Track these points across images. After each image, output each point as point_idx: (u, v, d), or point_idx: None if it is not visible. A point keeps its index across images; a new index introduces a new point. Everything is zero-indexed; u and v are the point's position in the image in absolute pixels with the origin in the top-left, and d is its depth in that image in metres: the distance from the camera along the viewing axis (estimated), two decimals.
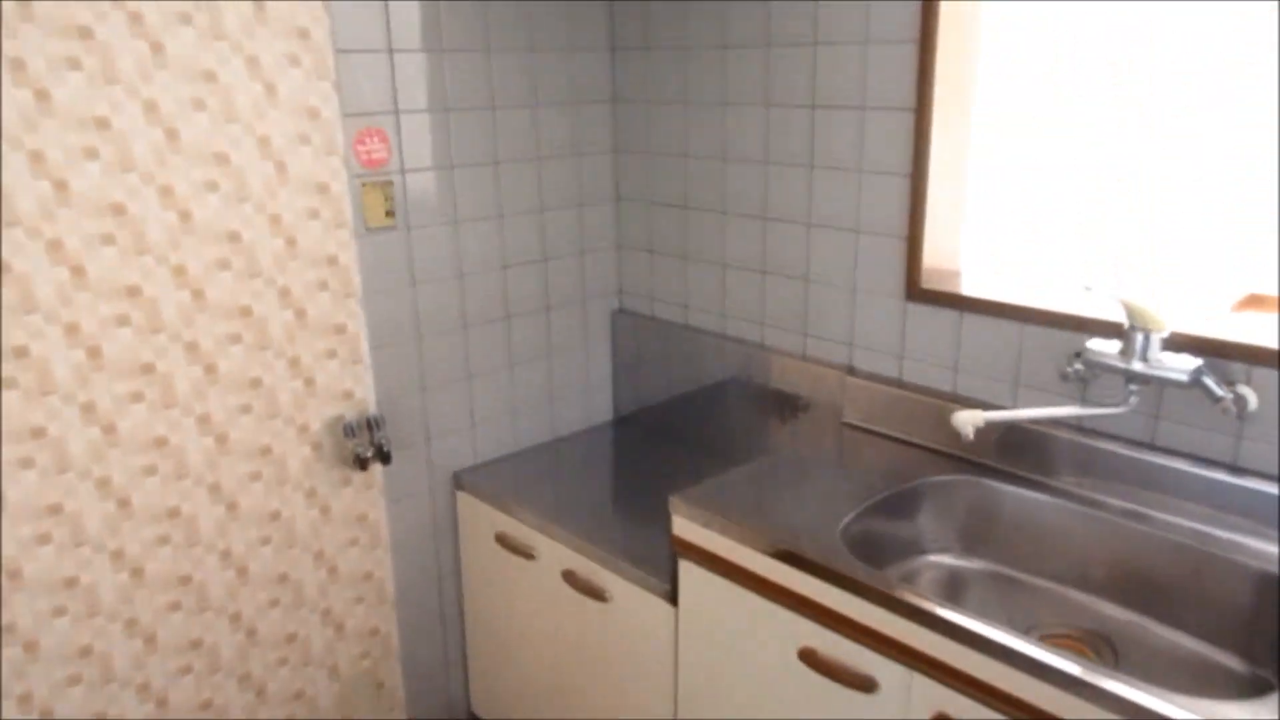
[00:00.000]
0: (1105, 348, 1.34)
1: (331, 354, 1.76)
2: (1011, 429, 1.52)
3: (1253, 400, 1.25)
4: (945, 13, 1.48)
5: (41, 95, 1.36)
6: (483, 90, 1.84)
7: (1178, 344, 1.31)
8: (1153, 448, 1.39)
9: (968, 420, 1.39)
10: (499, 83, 1.86)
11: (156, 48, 1.44)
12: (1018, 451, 1.52)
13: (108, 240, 1.45)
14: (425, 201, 1.81)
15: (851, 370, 1.76)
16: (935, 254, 1.62)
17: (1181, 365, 1.26)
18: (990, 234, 1.68)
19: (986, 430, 1.51)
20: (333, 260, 1.71)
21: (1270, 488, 1.27)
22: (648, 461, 2.06)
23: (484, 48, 1.82)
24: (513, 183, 1.94)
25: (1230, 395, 1.25)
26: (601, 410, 2.25)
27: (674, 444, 2.12)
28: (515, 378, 2.06)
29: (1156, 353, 1.28)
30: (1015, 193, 1.66)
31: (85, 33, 1.37)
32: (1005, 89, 1.60)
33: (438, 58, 1.76)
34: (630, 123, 2.05)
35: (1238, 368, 1.27)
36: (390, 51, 1.70)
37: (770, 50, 1.73)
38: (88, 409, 1.49)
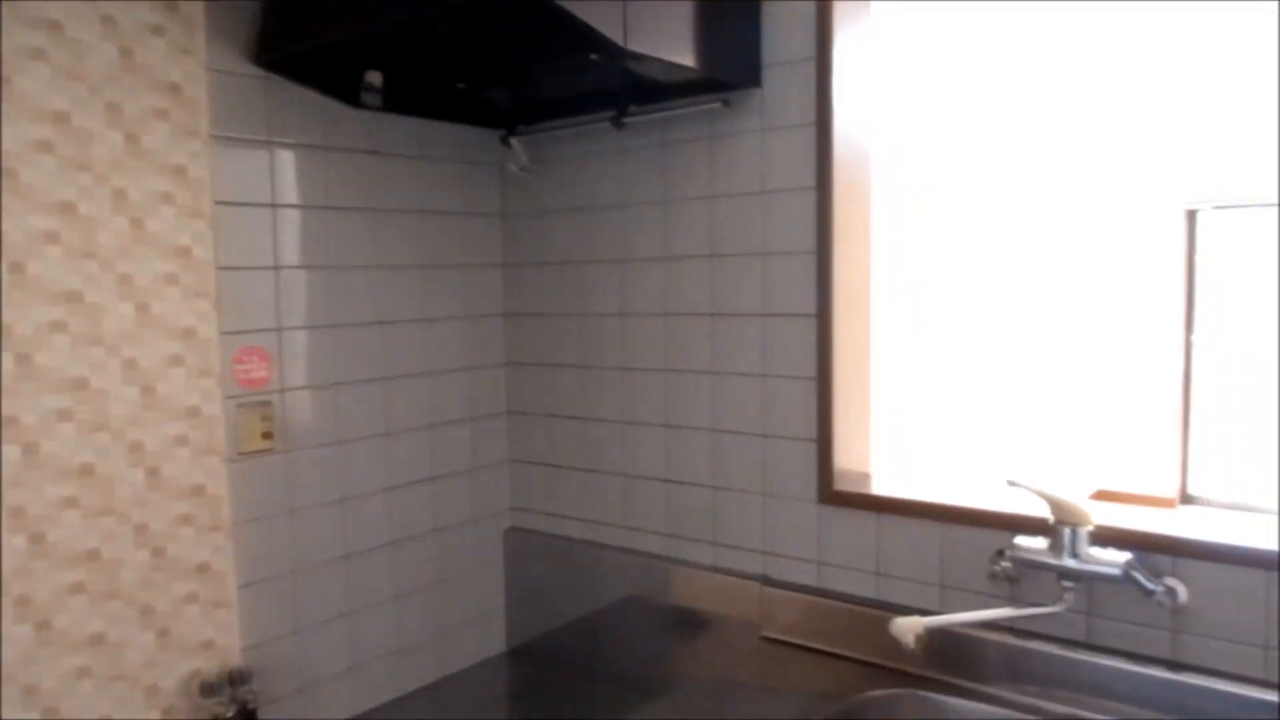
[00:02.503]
0: (1033, 544, 1.33)
1: (192, 598, 1.54)
2: (942, 635, 1.46)
3: (1183, 593, 1.26)
4: (839, 226, 1.55)
5: None
6: (371, 305, 1.77)
7: (1102, 538, 1.31)
8: (1089, 646, 1.36)
9: (908, 628, 1.33)
10: (389, 297, 1.80)
11: (16, 267, 1.31)
12: (952, 659, 1.45)
13: None
14: (307, 421, 1.68)
15: (768, 580, 1.68)
16: (847, 456, 1.62)
17: (1112, 559, 1.26)
18: (901, 432, 1.70)
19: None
20: (199, 491, 1.53)
21: (1209, 683, 1.25)
22: (547, 698, 1.87)
23: (375, 264, 1.77)
24: (402, 398, 1.84)
25: (1162, 588, 1.25)
26: (495, 641, 2.06)
27: (576, 674, 1.94)
28: (401, 611, 1.86)
29: (1085, 548, 1.28)
30: (923, 390, 1.70)
31: None
32: (903, 293, 1.68)
33: (325, 273, 1.69)
34: (523, 333, 2.01)
35: (1164, 560, 1.28)
36: (276, 269, 1.62)
37: (669, 264, 1.77)
38: None
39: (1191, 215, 5.90)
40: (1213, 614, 1.26)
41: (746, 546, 1.72)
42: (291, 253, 1.64)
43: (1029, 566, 1.33)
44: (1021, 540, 1.34)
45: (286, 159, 1.62)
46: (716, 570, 1.75)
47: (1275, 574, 1.21)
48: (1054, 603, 1.31)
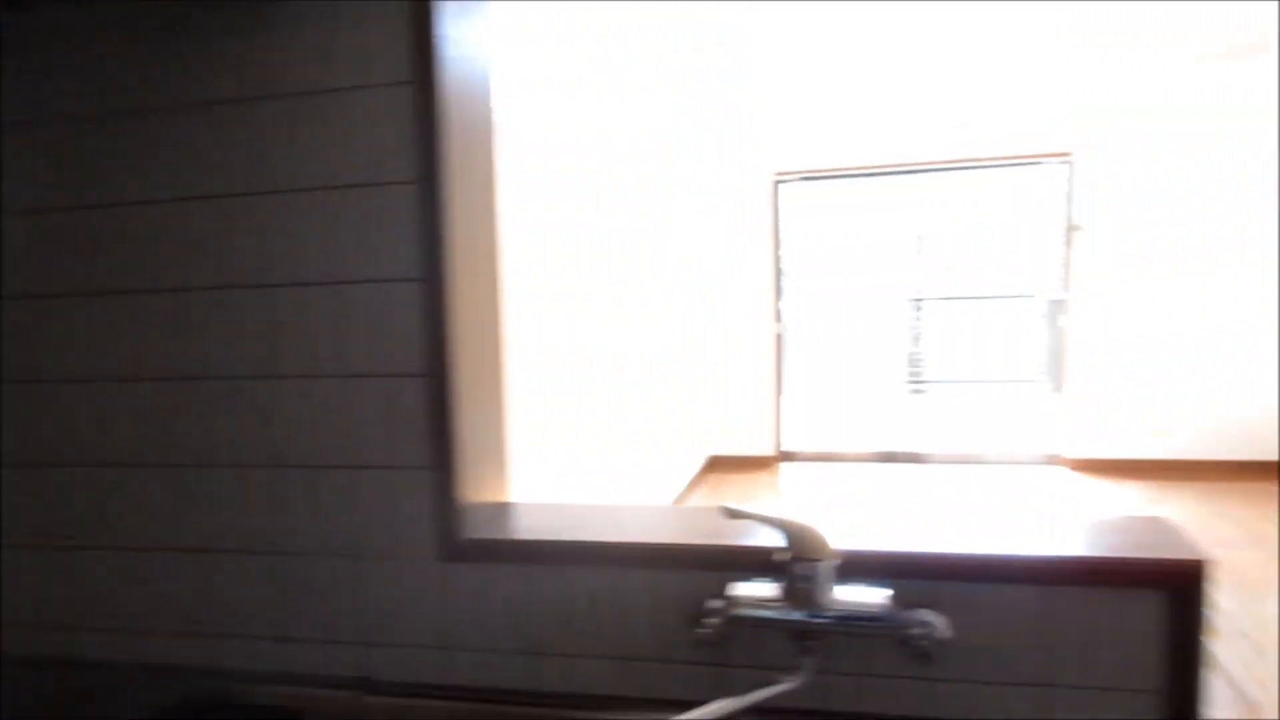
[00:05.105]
0: (756, 592, 0.92)
1: None
2: None
3: (941, 626, 0.92)
4: (456, 143, 1.02)
5: None
6: None
7: (846, 570, 0.94)
8: (829, 715, 0.99)
9: None
10: None
11: None
12: None
13: None
14: None
15: (368, 685, 1.12)
16: (479, 484, 1.10)
17: (868, 600, 0.89)
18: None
19: None
20: None
21: None
22: None
23: None
24: None
25: (917, 627, 0.90)
26: None
27: None
28: None
29: (829, 591, 0.90)
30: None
31: None
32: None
33: None
34: None
35: (917, 585, 0.94)
36: None
37: (181, 208, 1.10)
38: None
39: (776, 185, 6.31)
40: (978, 651, 0.95)
41: (333, 638, 1.13)
42: None
43: (749, 625, 0.92)
44: (743, 588, 0.93)
45: None
46: (284, 679, 1.14)
47: (1045, 590, 0.92)
48: (788, 672, 0.92)
